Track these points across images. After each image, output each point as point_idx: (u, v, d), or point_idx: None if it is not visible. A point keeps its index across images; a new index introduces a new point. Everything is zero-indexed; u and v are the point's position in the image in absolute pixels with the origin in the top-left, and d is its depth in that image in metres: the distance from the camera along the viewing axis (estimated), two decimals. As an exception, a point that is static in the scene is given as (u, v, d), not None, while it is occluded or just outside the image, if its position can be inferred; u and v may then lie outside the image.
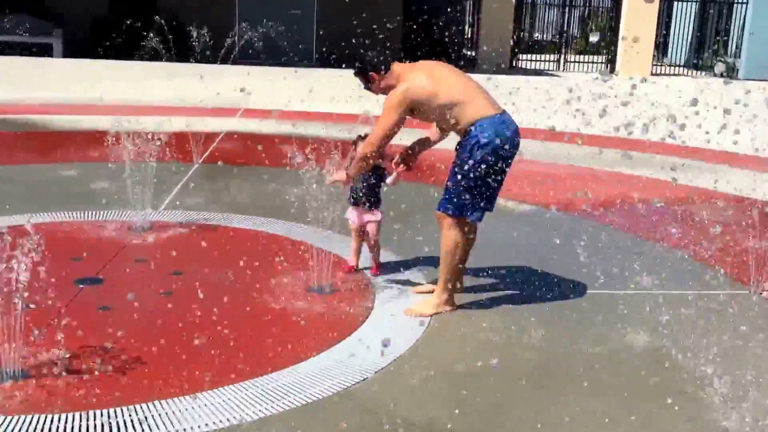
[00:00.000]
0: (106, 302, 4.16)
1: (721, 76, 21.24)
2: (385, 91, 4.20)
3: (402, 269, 4.89)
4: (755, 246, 4.92)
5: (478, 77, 4.44)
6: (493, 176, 4.04)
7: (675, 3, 23.76)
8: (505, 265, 5.02)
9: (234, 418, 3.07)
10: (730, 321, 4.10)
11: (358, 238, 4.75)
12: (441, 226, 4.19)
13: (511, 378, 3.53)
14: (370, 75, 4.20)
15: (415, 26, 17.72)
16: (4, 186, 6.56)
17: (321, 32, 19.22)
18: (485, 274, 4.82)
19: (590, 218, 6.16)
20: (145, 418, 3.05)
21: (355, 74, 4.26)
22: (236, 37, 16.75)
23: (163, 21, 14.39)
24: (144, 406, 3.13)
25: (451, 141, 4.32)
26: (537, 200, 6.69)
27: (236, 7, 19.92)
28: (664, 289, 4.46)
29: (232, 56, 16.05)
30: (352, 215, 4.69)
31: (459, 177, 4.05)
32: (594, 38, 22.04)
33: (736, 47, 22.19)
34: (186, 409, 3.12)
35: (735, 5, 22.64)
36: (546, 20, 26.08)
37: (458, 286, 4.34)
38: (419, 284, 4.64)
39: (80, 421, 3.00)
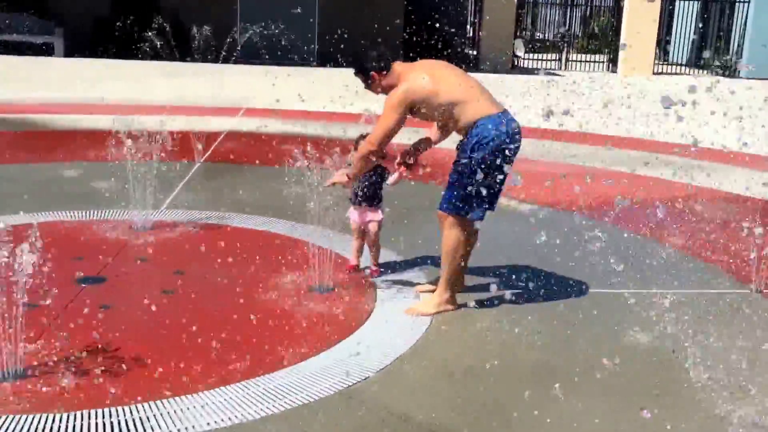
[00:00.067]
0: (108, 301, 4.17)
1: (723, 75, 21.23)
2: (386, 90, 4.19)
3: (403, 268, 4.89)
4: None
5: (481, 76, 4.44)
6: (494, 175, 4.04)
7: (677, 2, 23.75)
8: (506, 264, 5.02)
9: (235, 417, 3.08)
10: (731, 320, 4.10)
11: (360, 237, 4.75)
12: (442, 226, 4.19)
13: (512, 377, 3.54)
14: (371, 74, 4.19)
15: (416, 26, 17.71)
16: (6, 185, 6.57)
17: (322, 32, 19.23)
18: (486, 273, 4.82)
19: (592, 217, 6.16)
20: (147, 417, 3.05)
21: (356, 74, 4.25)
22: (237, 37, 16.76)
23: (164, 20, 14.40)
24: (145, 405, 3.13)
25: (452, 140, 4.32)
26: (537, 199, 6.69)
27: (237, 6, 19.93)
28: (665, 288, 4.46)
29: (234, 56, 16.05)
30: (353, 214, 4.69)
31: (460, 176, 4.05)
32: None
33: (738, 46, 22.18)
34: (187, 408, 3.12)
35: (737, 4, 22.62)
36: (548, 20, 26.10)
37: (459, 285, 4.34)
38: (420, 283, 4.64)
39: (81, 420, 3.00)
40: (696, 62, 23.14)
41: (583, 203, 6.46)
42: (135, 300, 4.21)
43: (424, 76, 4.09)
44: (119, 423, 3.00)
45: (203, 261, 4.84)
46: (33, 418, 3.00)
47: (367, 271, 4.70)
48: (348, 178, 4.27)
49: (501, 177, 4.08)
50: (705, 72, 22.17)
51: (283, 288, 4.47)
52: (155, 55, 14.28)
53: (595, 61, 22.91)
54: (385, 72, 4.18)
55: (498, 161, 4.01)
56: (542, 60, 22.85)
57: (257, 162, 7.60)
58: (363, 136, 4.41)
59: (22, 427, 2.94)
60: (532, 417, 3.18)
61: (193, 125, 8.72)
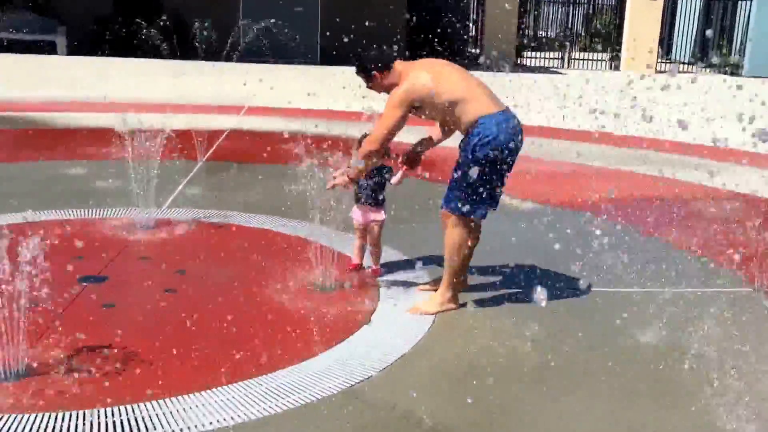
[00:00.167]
0: (110, 300, 4.17)
1: (725, 73, 21.19)
2: (388, 89, 4.18)
3: (406, 267, 4.88)
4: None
5: (483, 75, 4.43)
6: (496, 174, 4.03)
7: (679, 0, 23.71)
8: (509, 263, 5.01)
9: (237, 416, 3.07)
10: (733, 320, 4.09)
11: (362, 236, 4.74)
12: (445, 225, 4.19)
13: (514, 377, 3.53)
14: (373, 73, 4.19)
15: (418, 24, 17.71)
16: (9, 184, 6.57)
17: (324, 30, 19.22)
18: (489, 272, 4.81)
19: (595, 216, 6.15)
20: (148, 416, 3.05)
21: (357, 72, 4.25)
22: (240, 35, 16.76)
23: (166, 18, 14.41)
24: (146, 404, 3.13)
25: (455, 139, 4.31)
26: (540, 198, 6.68)
27: (240, 4, 19.93)
28: (666, 287, 4.45)
29: (236, 54, 16.06)
30: (356, 214, 4.68)
31: (462, 175, 4.04)
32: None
33: (741, 44, 22.15)
34: (189, 408, 3.12)
35: (739, 2, 22.58)
36: (550, 18, 26.07)
37: (462, 284, 4.34)
38: (423, 282, 4.64)
39: (82, 419, 3.00)
40: (698, 60, 23.11)
41: (591, 202, 6.45)
42: (137, 299, 4.22)
43: (426, 75, 4.08)
44: (120, 422, 3.00)
45: (205, 260, 4.83)
46: (34, 417, 3.00)
47: (369, 271, 4.69)
48: (349, 179, 4.25)
49: (503, 175, 4.08)
50: (708, 70, 22.13)
51: (285, 287, 4.46)
52: (157, 54, 14.31)
53: (597, 60, 22.89)
54: (386, 71, 4.17)
55: (500, 159, 4.00)
56: (545, 58, 22.84)
57: (259, 160, 7.60)
58: (365, 136, 4.40)
59: (24, 427, 2.94)
60: (533, 417, 3.18)
61: (195, 123, 8.72)
